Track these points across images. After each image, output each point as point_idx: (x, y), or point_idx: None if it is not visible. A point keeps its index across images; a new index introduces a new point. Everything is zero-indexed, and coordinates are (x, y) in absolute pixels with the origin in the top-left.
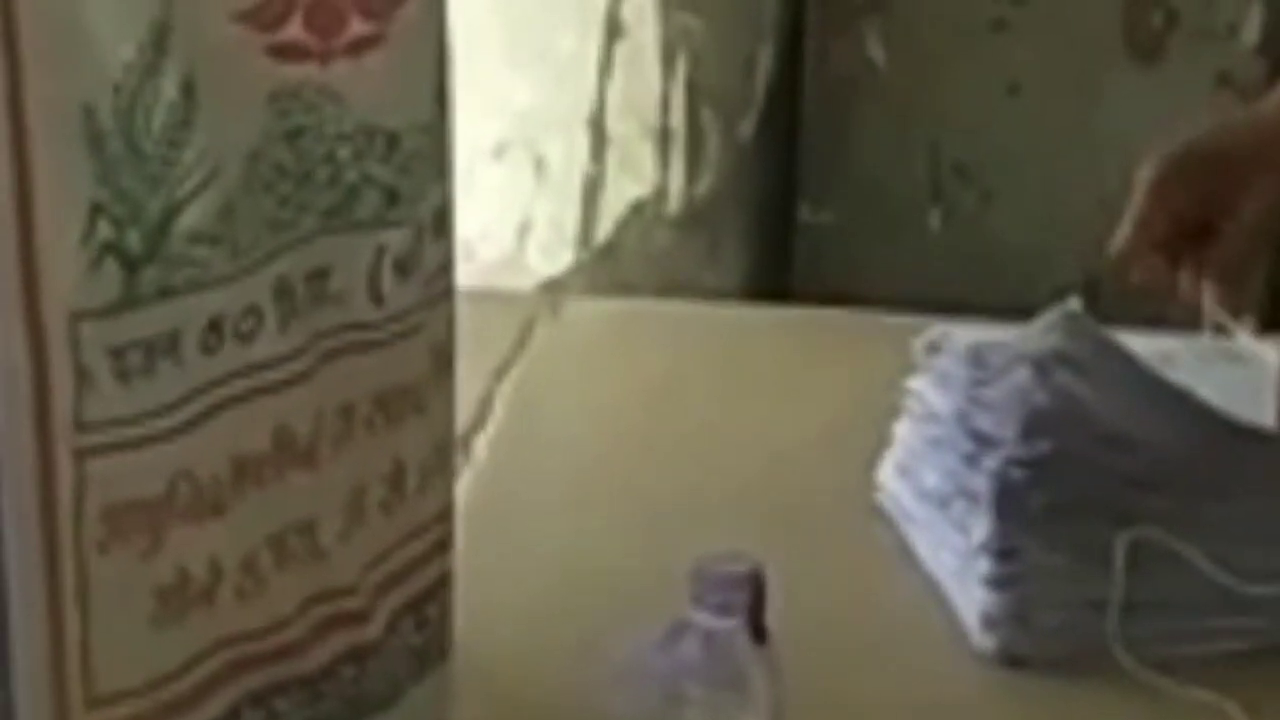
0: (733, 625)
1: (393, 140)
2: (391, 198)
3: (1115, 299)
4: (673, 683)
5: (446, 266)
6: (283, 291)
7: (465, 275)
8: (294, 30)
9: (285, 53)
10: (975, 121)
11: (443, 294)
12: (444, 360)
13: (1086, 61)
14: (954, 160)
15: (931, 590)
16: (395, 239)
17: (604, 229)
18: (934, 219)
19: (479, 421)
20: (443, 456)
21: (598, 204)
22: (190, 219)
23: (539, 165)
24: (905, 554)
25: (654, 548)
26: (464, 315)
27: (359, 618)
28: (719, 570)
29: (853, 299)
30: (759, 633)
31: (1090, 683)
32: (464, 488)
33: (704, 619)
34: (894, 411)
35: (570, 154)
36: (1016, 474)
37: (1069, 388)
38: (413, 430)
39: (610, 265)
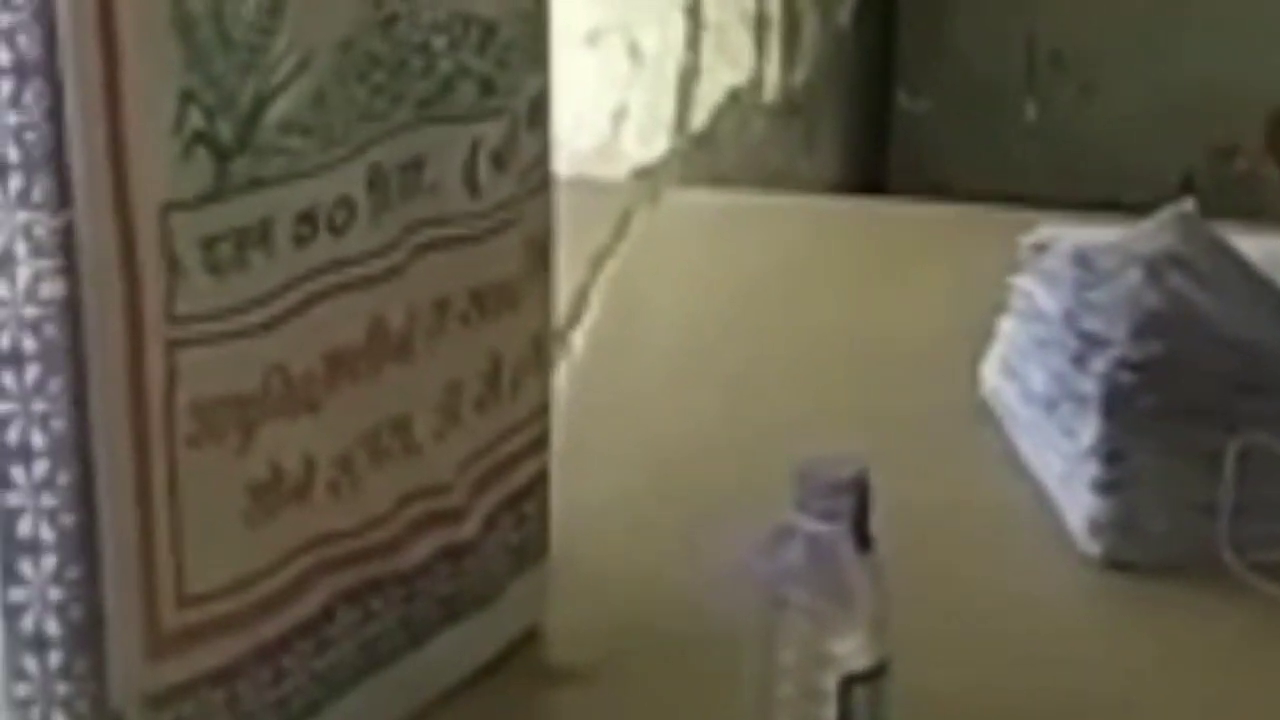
0: (837, 531)
1: (489, 29)
2: (487, 87)
3: (1212, 194)
4: (775, 588)
5: (543, 158)
6: (376, 182)
7: (558, 162)
8: None
9: None
10: (1073, 10)
11: (540, 186)
12: (541, 254)
13: None
14: (1050, 50)
15: (1037, 494)
16: (491, 130)
17: (699, 117)
18: (1030, 110)
19: (575, 314)
20: (539, 353)
21: (693, 92)
22: (282, 108)
23: (634, 52)
24: (1011, 456)
25: (756, 445)
26: (559, 204)
27: (455, 515)
28: (824, 474)
29: (949, 189)
30: (864, 540)
31: (1198, 588)
32: (560, 382)
33: (808, 524)
34: (997, 309)
35: (665, 41)
36: (1126, 376)
37: (1181, 289)
38: (509, 326)
39: (706, 154)
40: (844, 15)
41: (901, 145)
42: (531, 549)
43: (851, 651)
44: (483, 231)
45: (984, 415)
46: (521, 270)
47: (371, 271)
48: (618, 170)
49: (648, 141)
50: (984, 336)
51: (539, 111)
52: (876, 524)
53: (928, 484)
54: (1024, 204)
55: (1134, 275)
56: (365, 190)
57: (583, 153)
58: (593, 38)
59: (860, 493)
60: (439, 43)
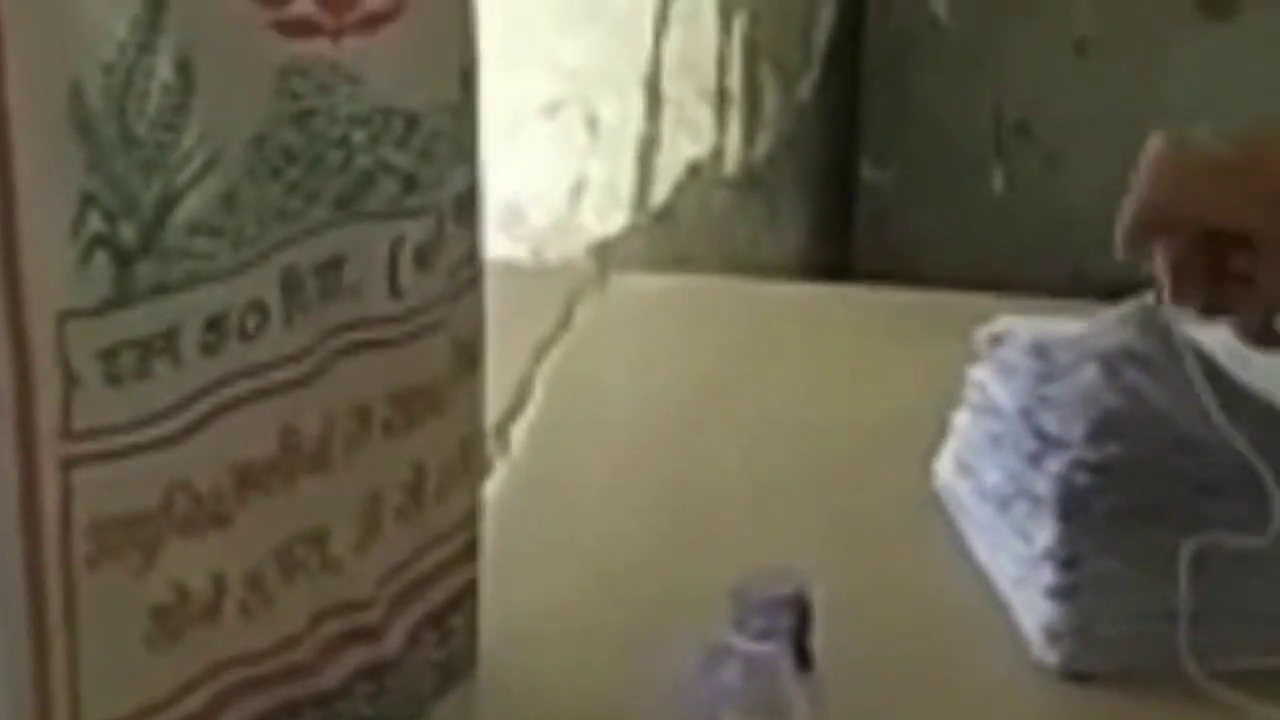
0: (775, 650)
1: (412, 122)
2: (410, 184)
3: None
4: (711, 710)
5: (473, 255)
6: (291, 285)
7: (515, 239)
8: (303, 4)
9: (293, 28)
10: (1040, 81)
11: (468, 285)
12: (469, 356)
13: (1156, 19)
14: (1018, 120)
15: (991, 597)
16: (414, 228)
17: (660, 191)
18: (997, 180)
19: (517, 407)
20: (467, 458)
21: (653, 165)
22: (189, 209)
23: (592, 125)
24: (964, 555)
25: (701, 551)
26: (503, 288)
27: (376, 632)
28: (762, 592)
29: (914, 262)
30: (804, 658)
31: (1159, 698)
32: (498, 480)
33: (745, 644)
34: (956, 400)
35: (625, 114)
36: (1082, 478)
37: (1138, 386)
38: (434, 432)
39: (666, 228)
40: (806, 87)
41: (867, 217)
42: (457, 665)
43: None
44: (406, 334)
45: (936, 511)
46: (448, 373)
47: (285, 379)
48: (576, 245)
49: (606, 216)
50: (941, 428)
51: (467, 207)
52: (823, 633)
53: (877, 588)
54: (990, 283)
55: (1090, 372)
56: (279, 293)
57: (540, 228)
58: (551, 110)
59: (800, 609)
60: (358, 137)
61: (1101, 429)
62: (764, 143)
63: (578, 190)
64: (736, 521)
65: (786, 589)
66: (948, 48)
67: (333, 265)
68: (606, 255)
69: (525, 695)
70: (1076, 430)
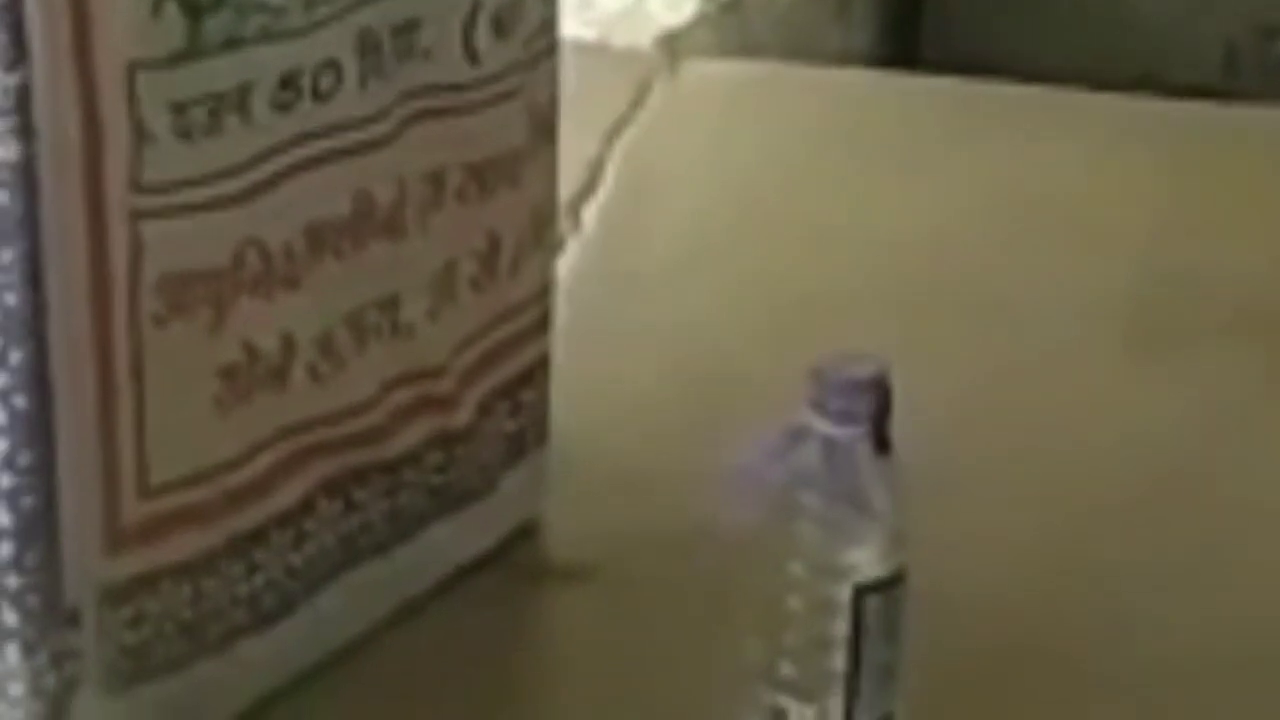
0: (854, 434)
1: None
2: None
3: (1254, 73)
4: (787, 492)
5: (550, 24)
6: (366, 45)
7: (582, 25)
8: None
9: None
10: None
11: (545, 53)
12: (544, 126)
13: None
14: None
15: None
16: None
17: None
18: None
19: (589, 187)
20: (541, 231)
21: None
22: None
23: None
24: None
25: (773, 336)
26: (576, 71)
27: (447, 402)
28: (841, 374)
29: (986, 61)
30: (882, 443)
31: None
32: (569, 260)
33: (823, 426)
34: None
35: None
36: None
37: None
38: (508, 202)
39: (735, 18)
40: None
41: (937, 15)
42: (528, 438)
43: (866, 560)
44: (482, 101)
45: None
46: (523, 144)
47: (359, 141)
48: (644, 35)
49: (675, 5)
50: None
51: None
52: (897, 428)
53: (951, 388)
54: (1062, 80)
55: None
56: (354, 54)
57: (608, 16)
58: None
59: (880, 394)
60: None
61: None
62: None
63: None
64: (807, 311)
65: (867, 372)
66: None
67: (409, 28)
68: (674, 44)
69: (596, 470)
70: None
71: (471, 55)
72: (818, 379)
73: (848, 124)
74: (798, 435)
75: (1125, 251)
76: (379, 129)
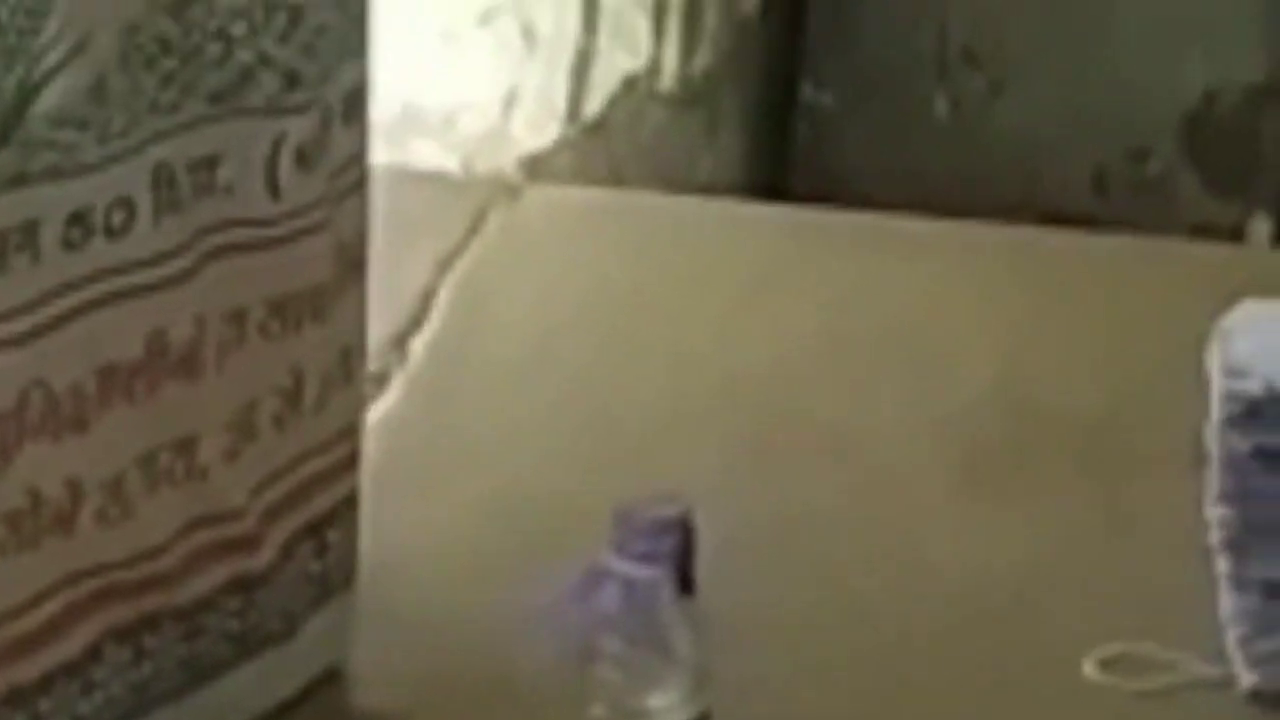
0: (655, 575)
1: (295, 14)
2: (292, 79)
3: (1124, 196)
4: (588, 635)
5: (359, 156)
6: (161, 181)
7: (445, 148)
8: None
9: None
10: (986, 5)
11: (353, 187)
12: (352, 261)
13: None
14: (962, 45)
15: None
16: (297, 126)
17: (594, 105)
18: (940, 106)
19: (418, 319)
20: (350, 367)
21: (588, 77)
22: (52, 98)
23: (528, 34)
24: None
25: (595, 476)
26: (412, 197)
27: (247, 543)
28: (644, 514)
29: (855, 188)
30: (686, 583)
31: None
32: (396, 393)
33: (624, 567)
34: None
35: (561, 23)
36: None
37: None
38: (313, 338)
39: (599, 142)
40: (748, 3)
41: (806, 140)
42: (334, 580)
43: (669, 705)
44: (284, 236)
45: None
46: (329, 279)
47: (154, 278)
48: (507, 156)
49: (539, 128)
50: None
51: (354, 106)
52: (714, 565)
53: (769, 528)
54: (933, 208)
55: None
56: (149, 190)
57: (471, 137)
58: (486, 18)
59: (683, 533)
60: (237, 29)
61: None
62: (703, 58)
63: (510, 101)
64: (637, 449)
65: (670, 511)
66: None
67: (208, 163)
68: (536, 168)
69: (403, 613)
70: None
71: (274, 190)
72: (619, 520)
73: (692, 253)
74: (599, 576)
75: (971, 384)
76: (175, 265)
